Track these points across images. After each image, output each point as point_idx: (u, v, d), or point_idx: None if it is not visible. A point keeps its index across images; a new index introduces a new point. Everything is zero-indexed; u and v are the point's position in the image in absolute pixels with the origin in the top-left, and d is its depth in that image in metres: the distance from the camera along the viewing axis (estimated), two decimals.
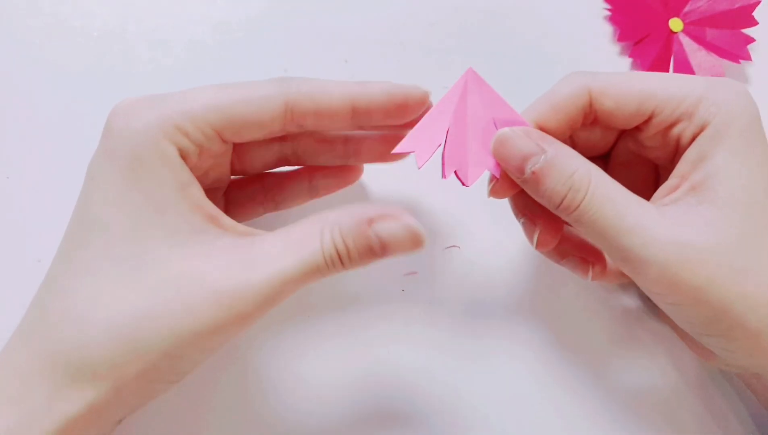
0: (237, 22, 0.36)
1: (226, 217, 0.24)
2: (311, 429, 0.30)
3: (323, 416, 0.30)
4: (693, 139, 0.24)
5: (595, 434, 0.30)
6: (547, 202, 0.24)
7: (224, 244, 0.23)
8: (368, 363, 0.31)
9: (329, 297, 0.32)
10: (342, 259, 0.23)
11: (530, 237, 0.27)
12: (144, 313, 0.21)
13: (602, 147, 0.29)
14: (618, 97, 0.25)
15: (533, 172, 0.24)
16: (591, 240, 0.25)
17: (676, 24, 0.38)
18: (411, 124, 0.25)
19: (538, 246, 0.27)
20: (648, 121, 0.25)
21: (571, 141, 0.28)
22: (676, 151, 0.26)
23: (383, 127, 0.27)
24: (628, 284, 0.32)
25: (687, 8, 0.38)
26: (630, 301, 0.33)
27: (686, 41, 0.38)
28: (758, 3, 0.38)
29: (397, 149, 0.25)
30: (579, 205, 0.23)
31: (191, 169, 0.24)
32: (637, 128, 0.26)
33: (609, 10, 0.38)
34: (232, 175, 0.29)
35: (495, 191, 0.26)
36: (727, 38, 0.37)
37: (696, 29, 0.38)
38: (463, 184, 0.25)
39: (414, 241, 0.23)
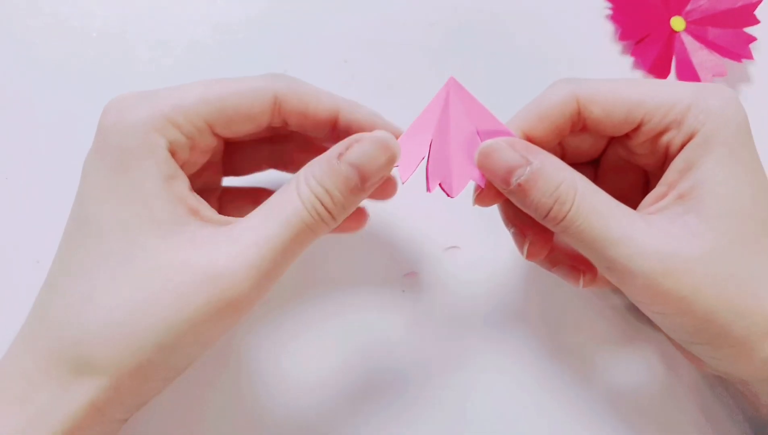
0: (237, 23, 0.36)
1: (208, 209, 0.24)
2: (311, 429, 0.30)
3: (323, 417, 0.30)
4: (682, 147, 0.24)
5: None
6: (534, 213, 0.24)
7: (208, 232, 0.23)
8: (368, 363, 0.31)
9: (329, 297, 0.32)
10: (326, 205, 0.23)
11: (520, 247, 0.27)
12: (136, 306, 0.22)
13: (592, 153, 0.29)
14: (606, 105, 0.25)
15: (519, 185, 0.24)
16: (578, 249, 0.25)
17: (677, 23, 0.38)
18: None
19: (528, 256, 0.27)
20: (637, 128, 0.25)
21: (561, 147, 0.28)
22: (666, 159, 0.26)
23: None
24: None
25: (688, 7, 0.38)
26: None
27: (688, 40, 0.37)
28: (760, 2, 0.37)
29: None
30: (565, 217, 0.23)
31: (183, 166, 0.24)
32: (627, 135, 0.26)
33: (610, 9, 0.38)
34: (223, 176, 0.29)
35: (480, 200, 0.26)
36: (729, 37, 0.37)
37: (698, 28, 0.38)
38: (448, 195, 0.25)
39: (385, 150, 0.23)
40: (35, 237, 0.31)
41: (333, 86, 0.35)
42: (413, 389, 0.31)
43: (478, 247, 0.32)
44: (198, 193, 0.25)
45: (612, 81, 0.25)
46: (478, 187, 0.26)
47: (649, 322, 0.32)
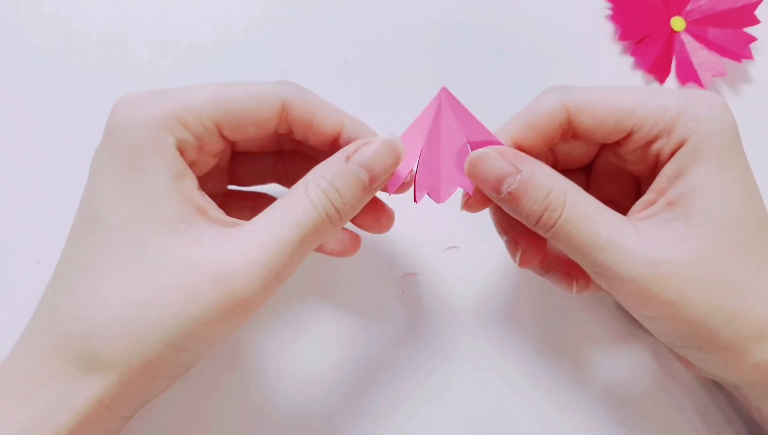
0: (237, 23, 0.36)
1: (216, 209, 0.24)
2: (311, 427, 0.30)
3: (323, 416, 0.30)
4: (672, 154, 0.25)
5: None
6: (525, 220, 0.24)
7: (216, 232, 0.23)
8: (368, 363, 0.31)
9: (329, 297, 0.32)
10: (336, 205, 0.23)
11: (513, 255, 0.27)
12: (143, 303, 0.22)
13: (584, 159, 0.29)
14: (596, 114, 0.25)
15: (509, 193, 0.24)
16: (569, 255, 0.25)
17: (677, 23, 0.38)
18: None
19: (520, 263, 0.27)
20: (628, 137, 0.25)
21: (552, 154, 0.28)
22: (656, 166, 0.26)
23: None
24: None
25: (689, 7, 0.38)
26: None
27: (688, 40, 0.37)
28: (760, 2, 0.37)
29: None
30: (555, 223, 0.23)
31: (190, 167, 0.24)
32: (618, 143, 0.26)
33: (610, 9, 0.38)
34: (228, 184, 0.30)
35: (468, 206, 0.26)
36: (729, 37, 0.37)
37: (698, 28, 0.38)
38: (436, 201, 0.25)
39: (391, 150, 0.24)
40: (36, 237, 0.31)
41: (333, 86, 0.35)
42: (413, 388, 0.31)
43: (478, 247, 0.32)
44: None
45: (601, 89, 0.25)
46: (466, 194, 0.26)
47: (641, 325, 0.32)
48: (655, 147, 0.25)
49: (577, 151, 0.28)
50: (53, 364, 0.22)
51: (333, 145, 0.26)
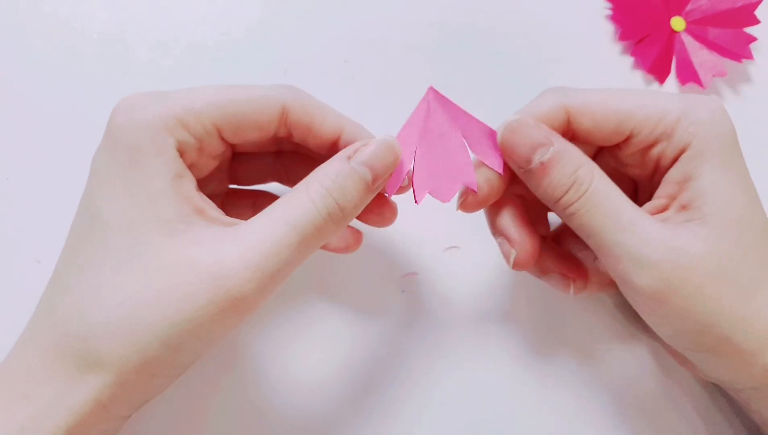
0: (237, 23, 0.36)
1: (214, 209, 0.24)
2: (311, 427, 0.30)
3: (322, 416, 0.30)
4: (673, 158, 0.25)
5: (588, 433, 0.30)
6: (549, 195, 0.24)
7: (213, 232, 0.23)
8: (368, 363, 0.31)
9: (329, 298, 0.32)
10: (339, 204, 0.23)
11: (507, 258, 0.27)
12: (141, 303, 0.22)
13: None
14: (596, 117, 0.25)
15: (541, 163, 0.24)
16: (583, 236, 0.25)
17: (677, 23, 0.38)
18: None
19: (514, 266, 0.27)
20: (627, 140, 0.25)
21: None
22: (656, 170, 0.26)
23: None
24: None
25: (689, 7, 0.38)
26: None
27: (688, 40, 0.37)
28: (760, 2, 0.37)
29: None
30: (581, 197, 0.24)
31: (190, 168, 0.24)
32: (617, 146, 0.26)
33: (610, 9, 0.38)
34: (229, 184, 0.30)
35: (465, 206, 0.26)
36: (729, 37, 0.37)
37: (698, 28, 0.38)
38: (442, 201, 0.25)
39: (390, 149, 0.24)
40: (36, 237, 0.31)
41: (333, 86, 0.35)
42: (413, 388, 0.31)
43: (478, 247, 0.32)
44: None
45: (601, 91, 0.25)
46: (462, 194, 0.26)
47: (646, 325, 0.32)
48: (655, 151, 0.25)
49: None
50: (52, 363, 0.22)
51: (332, 149, 0.26)
